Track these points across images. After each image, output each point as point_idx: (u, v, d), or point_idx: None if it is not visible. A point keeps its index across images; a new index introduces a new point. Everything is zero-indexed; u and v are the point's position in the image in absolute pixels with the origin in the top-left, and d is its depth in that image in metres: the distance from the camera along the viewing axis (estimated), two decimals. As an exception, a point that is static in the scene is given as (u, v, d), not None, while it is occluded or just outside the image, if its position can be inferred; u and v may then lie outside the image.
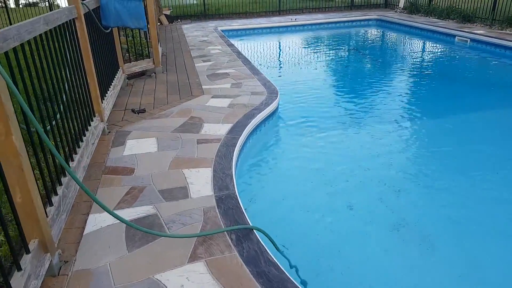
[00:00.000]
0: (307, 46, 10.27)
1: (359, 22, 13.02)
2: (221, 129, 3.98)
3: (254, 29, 12.24)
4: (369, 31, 12.41)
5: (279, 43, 10.80)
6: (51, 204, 2.25)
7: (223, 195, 2.80)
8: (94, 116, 3.72)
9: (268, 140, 4.46)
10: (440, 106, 5.60)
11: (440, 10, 11.62)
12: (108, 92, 4.53)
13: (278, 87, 5.45)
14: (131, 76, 6.21)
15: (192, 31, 11.51)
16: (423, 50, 9.57)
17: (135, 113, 4.60)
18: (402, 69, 7.76)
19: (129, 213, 2.60)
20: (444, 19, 11.44)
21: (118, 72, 5.50)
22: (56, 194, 2.36)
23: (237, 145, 3.62)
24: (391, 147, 4.23)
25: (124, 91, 5.56)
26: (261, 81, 5.82)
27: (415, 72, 7.55)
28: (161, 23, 13.35)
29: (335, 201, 3.26)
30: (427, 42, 10.23)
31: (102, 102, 4.06)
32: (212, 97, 5.12)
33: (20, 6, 23.12)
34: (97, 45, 4.25)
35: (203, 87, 5.64)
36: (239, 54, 7.91)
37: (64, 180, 2.54)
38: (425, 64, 8.23)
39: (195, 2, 16.37)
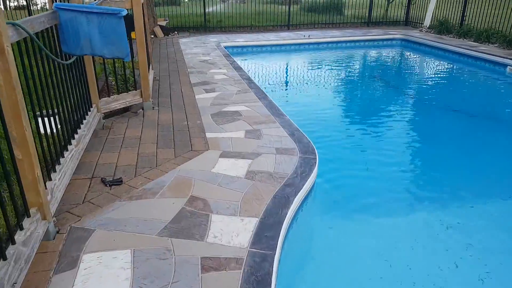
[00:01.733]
0: (330, 73, 8.87)
1: (381, 42, 11.72)
2: (241, 233, 2.51)
3: (262, 46, 10.88)
4: (394, 53, 11.09)
5: (296, 66, 9.35)
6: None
7: None
8: (28, 216, 2.23)
9: (312, 254, 2.92)
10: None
11: (477, 33, 10.34)
12: (67, 155, 3.05)
13: (312, 139, 4.01)
14: (111, 114, 4.75)
15: (191, 46, 10.11)
16: (465, 82, 8.20)
17: (106, 185, 3.12)
18: (445, 108, 6.36)
19: None
20: (482, 42, 10.15)
21: (90, 113, 4.03)
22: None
23: (272, 274, 2.15)
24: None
25: (96, 139, 4.09)
26: (286, 127, 4.37)
27: (461, 113, 6.15)
28: (155, 36, 11.96)
29: None
30: (467, 71, 8.89)
31: (50, 181, 2.59)
32: (221, 156, 3.66)
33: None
34: (50, 86, 2.79)
35: (208, 135, 4.19)
36: (249, 81, 6.49)
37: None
38: (472, 101, 6.85)
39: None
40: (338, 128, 5.34)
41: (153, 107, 5.08)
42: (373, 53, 10.97)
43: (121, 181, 3.16)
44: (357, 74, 8.82)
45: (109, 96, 4.60)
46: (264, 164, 3.50)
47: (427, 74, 8.88)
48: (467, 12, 11.51)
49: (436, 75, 8.69)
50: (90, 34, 3.15)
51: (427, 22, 12.87)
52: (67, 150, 3.12)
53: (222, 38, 11.58)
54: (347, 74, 8.77)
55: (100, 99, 4.43)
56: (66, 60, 3.27)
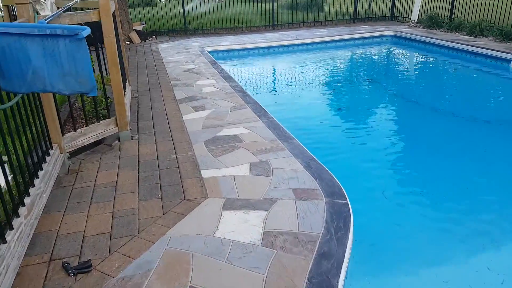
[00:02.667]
0: (325, 79, 7.95)
1: (371, 39, 10.89)
2: None
3: (249, 49, 9.89)
4: (387, 51, 10.27)
5: (289, 72, 8.31)
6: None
7: None
8: None
9: None
10: None
11: (470, 26, 9.61)
12: (10, 238, 2.05)
13: (334, 170, 3.11)
14: (79, 150, 3.72)
15: (172, 53, 9.04)
16: (469, 82, 7.43)
17: (69, 274, 2.14)
18: (453, 114, 5.55)
19: None
20: (476, 36, 9.43)
21: (50, 158, 3.01)
22: None
23: None
24: None
25: (59, 191, 3.07)
26: (298, 156, 3.45)
27: (469, 118, 5.35)
28: (131, 42, 10.82)
29: None
30: (468, 69, 8.13)
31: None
32: (225, 207, 2.71)
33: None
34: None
35: (203, 173, 3.23)
36: (243, 94, 5.53)
37: None
38: (482, 105, 6.07)
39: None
40: (357, 150, 4.41)
41: (132, 137, 4.07)
42: (365, 52, 10.12)
43: (90, 266, 2.18)
44: (355, 78, 7.94)
45: (75, 130, 3.57)
46: (283, 218, 2.56)
47: (426, 74, 8.05)
48: (456, 5, 10.79)
49: (436, 75, 7.87)
50: (38, 64, 2.13)
51: (415, 16, 12.11)
52: (11, 229, 2.11)
53: (205, 42, 10.54)
54: (345, 78, 7.89)
55: (63, 135, 3.40)
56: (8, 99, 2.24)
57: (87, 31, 2.11)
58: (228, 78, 6.50)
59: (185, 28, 12.30)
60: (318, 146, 4.14)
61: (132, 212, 2.73)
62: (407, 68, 8.68)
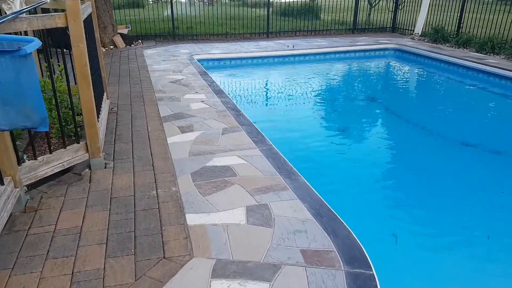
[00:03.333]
0: (325, 93, 7.56)
1: (373, 53, 10.56)
2: None
3: (242, 59, 9.45)
4: (390, 66, 9.94)
5: (287, 87, 7.83)
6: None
7: None
8: None
9: None
10: None
11: (480, 42, 9.35)
12: None
13: (350, 223, 2.64)
14: (42, 180, 3.18)
15: (158, 60, 8.54)
16: (480, 104, 7.10)
17: None
18: (462, 143, 5.17)
19: None
20: (487, 53, 9.16)
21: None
22: None
23: None
24: None
25: (11, 236, 2.54)
26: (305, 199, 2.97)
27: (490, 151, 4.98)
28: (115, 46, 10.29)
29: None
30: (480, 89, 7.81)
31: None
32: (215, 274, 2.22)
33: None
34: None
35: (189, 219, 2.73)
36: (237, 113, 5.05)
37: None
38: (495, 130, 5.72)
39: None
40: (374, 190, 3.95)
41: (105, 164, 3.54)
42: (366, 66, 9.77)
43: None
44: (356, 96, 7.56)
45: (35, 158, 3.04)
46: (290, 292, 2.07)
47: (434, 95, 7.68)
48: (464, 18, 10.57)
49: (446, 97, 7.52)
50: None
51: (419, 29, 11.86)
52: None
53: (194, 49, 10.07)
54: (346, 96, 7.51)
55: (19, 164, 2.87)
56: None
57: (34, 44, 1.61)
58: (219, 92, 6.02)
59: (173, 32, 11.82)
60: (324, 182, 3.68)
61: (97, 275, 2.21)
62: (412, 87, 8.33)
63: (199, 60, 8.75)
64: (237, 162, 3.61)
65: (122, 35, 10.65)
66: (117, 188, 3.17)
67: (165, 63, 8.27)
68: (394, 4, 13.37)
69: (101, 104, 4.30)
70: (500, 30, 9.47)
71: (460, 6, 10.53)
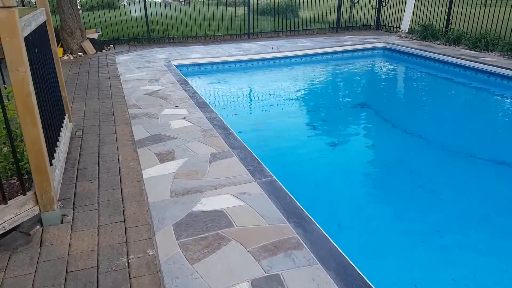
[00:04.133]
0: (315, 100, 6.85)
1: (361, 53, 9.92)
2: None
3: (224, 63, 8.64)
4: (380, 67, 9.31)
5: (276, 94, 7.09)
6: None
7: None
8: None
9: None
10: None
11: (473, 39, 8.81)
12: None
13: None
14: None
15: (132, 68, 7.64)
16: (481, 107, 6.53)
17: None
18: (470, 155, 4.56)
19: None
20: (481, 50, 8.64)
21: None
22: None
23: None
24: None
25: None
26: (329, 265, 2.23)
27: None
28: (85, 53, 9.30)
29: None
30: (479, 90, 7.26)
31: None
32: None
33: None
34: None
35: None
36: (226, 132, 4.26)
37: None
38: (502, 138, 5.15)
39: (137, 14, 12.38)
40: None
41: (62, 217, 2.70)
42: (354, 67, 9.10)
43: None
44: (345, 102, 6.88)
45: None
46: None
47: (430, 98, 7.07)
48: (452, 14, 10.04)
49: (443, 100, 6.90)
50: None
51: (405, 26, 11.30)
52: None
53: (172, 53, 9.18)
54: (334, 102, 6.80)
55: None
56: None
57: None
58: (203, 105, 5.21)
59: (148, 36, 10.88)
60: (345, 230, 2.94)
61: None
62: (406, 89, 7.72)
63: (177, 66, 7.91)
64: (232, 204, 2.83)
65: (92, 40, 9.66)
66: (76, 255, 2.34)
67: (140, 71, 7.38)
68: (377, 0, 12.78)
69: (60, 132, 3.44)
70: (491, 25, 8.97)
71: (449, 0, 9.99)
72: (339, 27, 12.78)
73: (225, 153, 3.72)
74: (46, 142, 2.56)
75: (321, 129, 5.54)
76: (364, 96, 7.14)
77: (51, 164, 2.74)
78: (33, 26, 2.93)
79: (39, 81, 2.76)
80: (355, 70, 8.83)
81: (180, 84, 6.32)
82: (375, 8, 12.96)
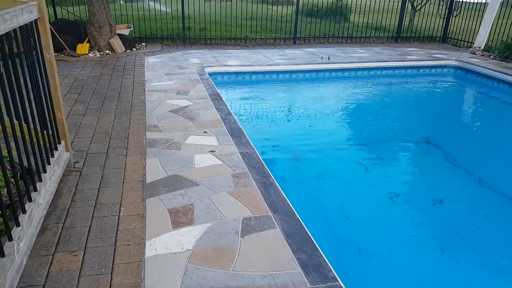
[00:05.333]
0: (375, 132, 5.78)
1: (428, 70, 8.73)
2: None
3: (264, 73, 7.72)
4: (451, 91, 8.07)
5: (323, 117, 6.05)
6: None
7: None
8: None
9: None
10: None
11: None
12: None
13: None
14: None
15: (161, 74, 6.86)
16: None
17: None
18: None
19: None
20: None
21: None
22: None
23: None
24: None
25: None
26: None
27: None
28: (113, 51, 8.65)
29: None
30: None
31: None
32: None
33: None
34: None
35: None
36: (265, 180, 3.32)
37: None
38: None
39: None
40: None
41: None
42: (420, 90, 7.91)
43: None
44: (409, 136, 5.76)
45: None
46: None
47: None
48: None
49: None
50: None
51: (481, 42, 9.95)
52: None
53: (207, 57, 8.36)
54: (396, 135, 5.71)
55: None
56: None
57: None
58: (237, 133, 4.30)
59: (183, 35, 10.12)
60: None
61: None
62: (486, 124, 6.46)
63: (211, 74, 7.06)
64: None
65: (122, 36, 9.02)
66: None
67: (169, 78, 6.57)
68: (447, 9, 11.45)
69: (43, 174, 2.61)
70: None
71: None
72: (399, 36, 11.56)
73: (263, 219, 2.77)
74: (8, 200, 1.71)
75: (374, 171, 4.49)
76: (431, 129, 5.99)
77: (9, 238, 1.90)
78: (10, 26, 2.13)
79: (25, 102, 1.93)
80: (421, 93, 7.65)
81: (212, 100, 5.45)
82: (444, 18, 11.62)
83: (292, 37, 10.92)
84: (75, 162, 3.50)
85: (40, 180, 2.60)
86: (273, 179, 3.34)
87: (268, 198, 3.03)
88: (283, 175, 4.03)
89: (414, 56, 9.21)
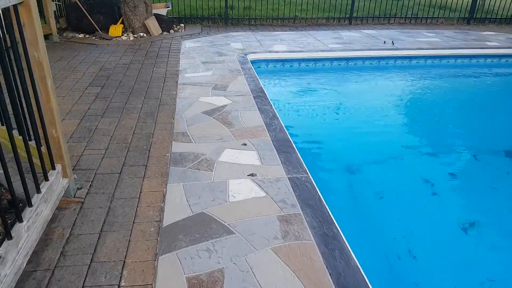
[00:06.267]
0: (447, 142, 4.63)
1: (511, 60, 7.23)
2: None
3: (316, 60, 6.65)
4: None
5: (385, 117, 5.01)
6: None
7: None
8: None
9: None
10: None
11: None
12: None
13: None
14: None
15: (198, 62, 5.99)
16: None
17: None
18: None
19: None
20: None
21: None
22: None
23: None
24: None
25: None
26: None
27: None
28: (148, 33, 7.88)
29: None
30: None
31: None
32: None
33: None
34: None
35: None
36: (325, 227, 2.38)
37: None
38: None
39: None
40: None
41: None
42: (503, 87, 6.53)
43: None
44: (487, 148, 4.54)
45: None
46: None
47: None
48: None
49: None
50: None
51: None
52: None
53: (250, 42, 7.38)
54: (472, 144, 4.52)
55: None
56: None
57: None
58: (284, 147, 3.35)
59: (225, 15, 9.16)
60: None
61: None
62: None
63: (254, 62, 6.12)
64: None
65: (158, 17, 8.21)
66: None
67: (206, 68, 5.69)
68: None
69: (22, 224, 1.83)
70: None
71: None
72: (472, 17, 9.94)
73: (325, 307, 1.84)
74: None
75: (446, 192, 3.42)
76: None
77: None
78: None
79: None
80: (505, 91, 6.28)
81: (254, 98, 4.51)
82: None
83: (347, 17, 9.66)
84: (78, 189, 2.72)
85: (10, 237, 1.81)
86: (337, 228, 2.38)
87: (332, 265, 2.09)
88: (354, 225, 3.03)
89: (494, 42, 7.72)
